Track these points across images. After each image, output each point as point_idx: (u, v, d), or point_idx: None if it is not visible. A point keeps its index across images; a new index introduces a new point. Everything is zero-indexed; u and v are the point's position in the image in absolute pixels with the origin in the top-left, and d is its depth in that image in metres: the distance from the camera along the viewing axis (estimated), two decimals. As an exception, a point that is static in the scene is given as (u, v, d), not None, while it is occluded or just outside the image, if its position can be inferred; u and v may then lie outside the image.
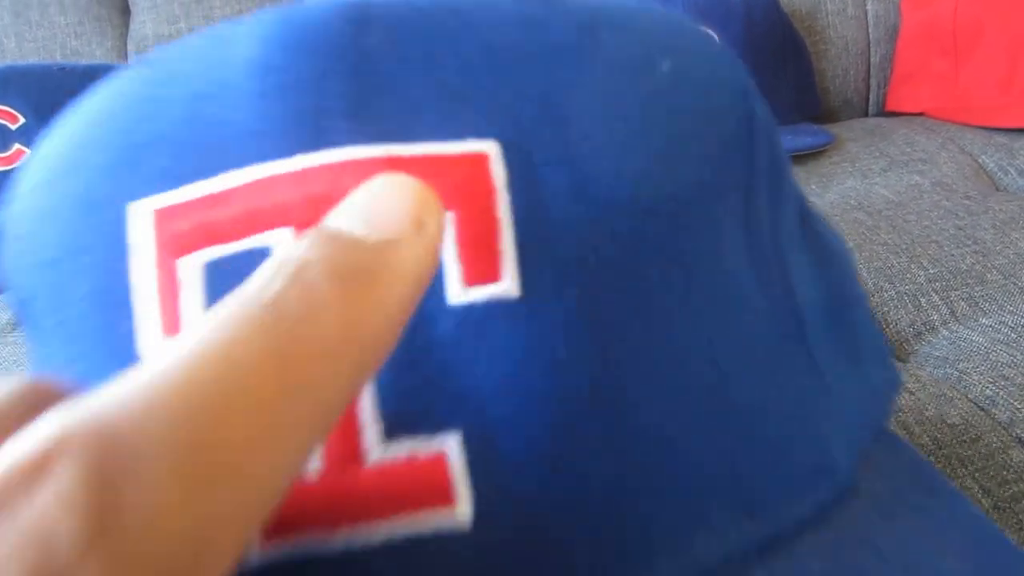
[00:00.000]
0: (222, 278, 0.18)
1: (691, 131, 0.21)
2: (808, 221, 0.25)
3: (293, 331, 0.13)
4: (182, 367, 0.12)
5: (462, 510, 0.17)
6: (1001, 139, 0.90)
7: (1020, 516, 0.34)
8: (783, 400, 0.21)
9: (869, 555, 0.19)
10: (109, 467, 0.11)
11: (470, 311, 0.18)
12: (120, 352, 0.19)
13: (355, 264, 0.14)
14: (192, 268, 0.19)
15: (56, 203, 0.21)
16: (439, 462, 0.17)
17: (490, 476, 0.17)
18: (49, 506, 0.10)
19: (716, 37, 0.24)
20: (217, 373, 0.12)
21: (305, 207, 0.18)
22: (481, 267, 0.18)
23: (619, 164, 0.19)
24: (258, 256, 0.18)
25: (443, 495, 0.17)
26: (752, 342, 0.21)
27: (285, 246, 0.16)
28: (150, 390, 0.11)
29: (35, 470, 0.11)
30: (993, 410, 0.41)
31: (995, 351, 0.47)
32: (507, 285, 0.18)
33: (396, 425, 0.18)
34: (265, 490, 0.12)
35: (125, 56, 1.16)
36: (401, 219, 0.15)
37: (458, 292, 0.18)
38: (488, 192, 0.18)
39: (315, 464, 0.17)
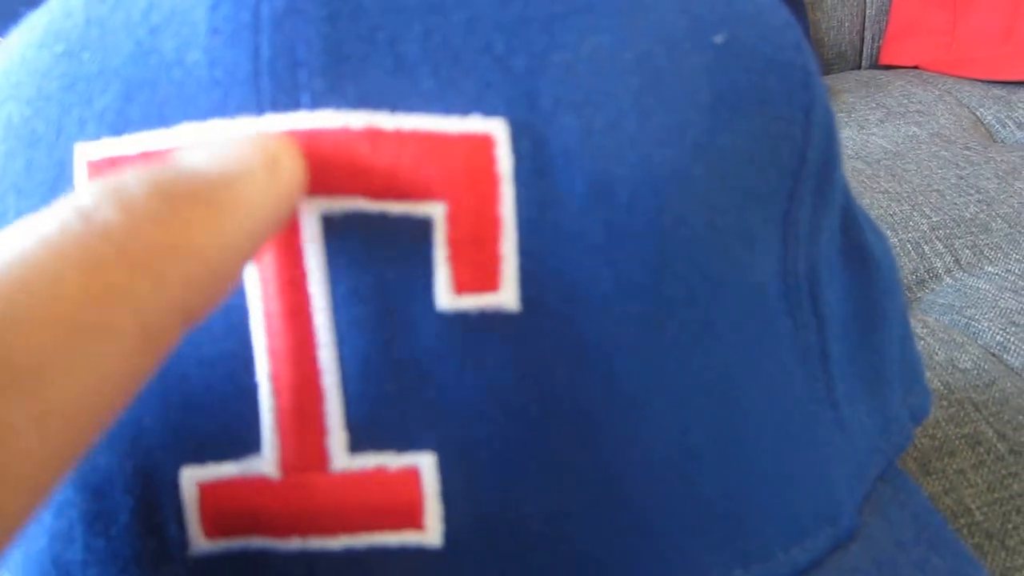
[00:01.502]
0: None
1: (739, 122, 0.18)
2: (851, 226, 0.22)
3: (105, 237, 0.12)
4: None
5: (431, 536, 0.16)
6: (999, 91, 0.89)
7: (1036, 461, 0.33)
8: (796, 442, 0.19)
9: None
10: None
11: (460, 321, 0.16)
12: None
13: (187, 189, 0.13)
14: None
15: None
16: (410, 481, 0.16)
17: (465, 502, 0.16)
18: None
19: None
20: (22, 278, 0.11)
21: None
22: (477, 272, 0.16)
23: (651, 161, 0.17)
24: None
25: (411, 517, 0.16)
26: (772, 373, 0.19)
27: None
28: None
29: None
30: (1005, 356, 0.40)
31: (1003, 298, 0.46)
32: (505, 297, 0.16)
33: (364, 436, 0.16)
34: (70, 399, 0.11)
35: None
36: (250, 158, 0.14)
37: (448, 298, 0.16)
38: (491, 183, 0.16)
39: (271, 465, 0.16)
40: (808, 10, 1.12)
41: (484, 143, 0.16)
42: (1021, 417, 0.35)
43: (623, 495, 0.17)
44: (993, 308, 0.45)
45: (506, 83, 0.16)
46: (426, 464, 0.16)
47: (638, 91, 0.17)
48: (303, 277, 0.16)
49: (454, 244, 0.16)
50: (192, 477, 0.17)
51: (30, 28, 0.19)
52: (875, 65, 1.18)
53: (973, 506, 0.31)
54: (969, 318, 0.45)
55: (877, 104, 0.89)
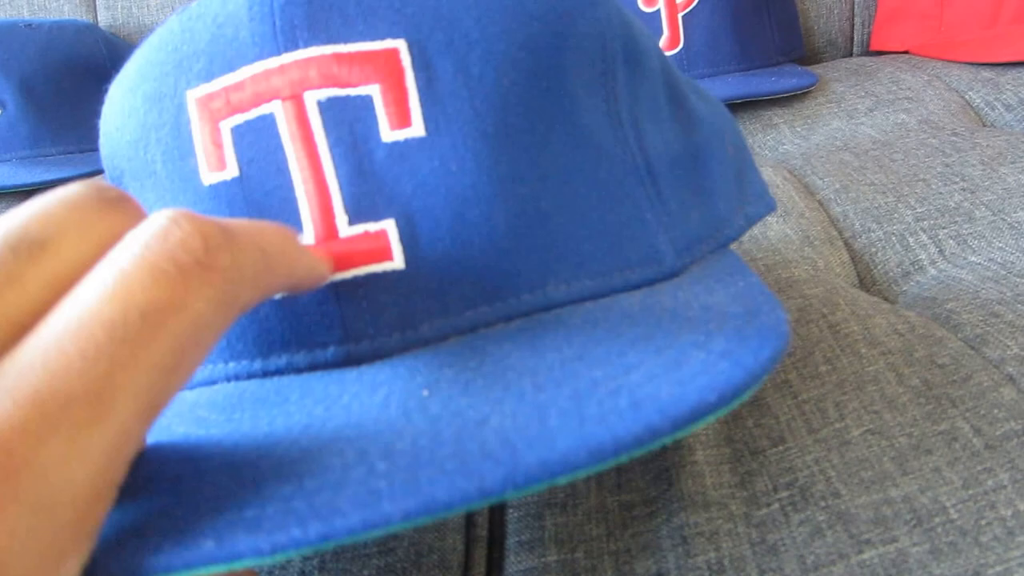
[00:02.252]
0: (240, 133, 0.28)
1: (550, 18, 0.30)
2: (675, 94, 0.35)
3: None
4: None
5: (397, 263, 0.27)
6: (987, 74, 0.89)
7: (1012, 454, 0.33)
8: (611, 200, 0.30)
9: (668, 297, 0.27)
10: None
11: (395, 145, 0.27)
12: (189, 181, 0.29)
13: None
14: (226, 129, 0.29)
15: (133, 102, 0.31)
16: (383, 236, 0.27)
17: (414, 242, 0.27)
18: None
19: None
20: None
21: (288, 86, 0.28)
22: (400, 118, 0.28)
23: (488, 52, 0.28)
24: (262, 121, 0.28)
25: (386, 254, 0.27)
26: (601, 172, 0.30)
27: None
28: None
29: None
30: (984, 348, 0.41)
31: (984, 289, 0.46)
32: (416, 129, 0.27)
33: (355, 214, 0.27)
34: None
35: (94, 10, 1.13)
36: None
37: (387, 133, 0.27)
38: (400, 72, 0.28)
39: (310, 237, 0.27)
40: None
41: (394, 52, 0.28)
42: (997, 411, 0.36)
43: (503, 225, 0.28)
44: (975, 299, 0.46)
45: (402, 21, 0.28)
46: (390, 225, 0.27)
47: (477, 16, 0.29)
48: (311, 135, 0.28)
49: (386, 105, 0.27)
50: None
51: (149, 42, 0.32)
52: (866, 52, 1.18)
53: (948, 504, 0.32)
54: (950, 311, 0.45)
55: (866, 92, 0.89)
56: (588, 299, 0.28)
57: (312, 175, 0.27)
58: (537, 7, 0.30)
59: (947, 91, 0.87)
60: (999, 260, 0.50)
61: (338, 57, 0.28)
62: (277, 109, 0.28)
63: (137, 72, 0.31)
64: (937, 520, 0.31)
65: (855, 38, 1.19)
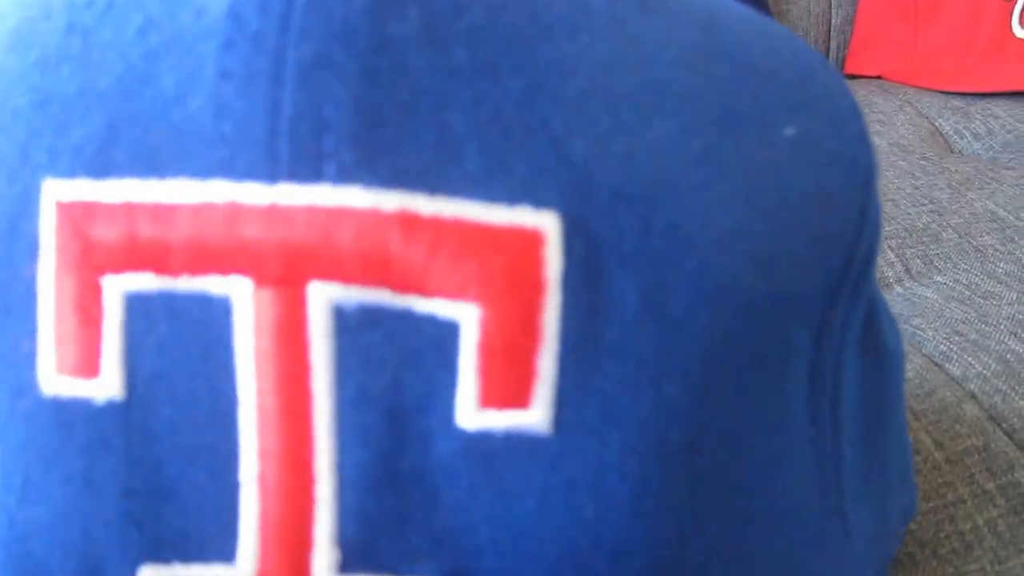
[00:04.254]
0: (144, 313, 0.14)
1: (797, 226, 0.16)
2: (872, 316, 0.20)
3: None
4: None
5: None
6: (957, 103, 0.90)
7: (972, 470, 0.33)
8: (803, 564, 0.18)
9: None
10: None
11: (482, 439, 0.14)
12: (11, 372, 0.15)
13: None
14: (114, 295, 0.15)
15: None
16: None
17: None
18: None
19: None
20: None
21: (278, 256, 0.14)
22: (507, 387, 0.14)
23: (708, 269, 0.15)
24: (202, 304, 0.14)
25: None
26: (792, 489, 0.17)
27: None
28: None
29: None
30: (947, 365, 0.41)
31: (948, 308, 0.47)
32: (537, 416, 0.14)
33: (356, 556, 0.14)
34: None
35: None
36: None
37: (470, 413, 0.14)
38: (536, 287, 0.14)
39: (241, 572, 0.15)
40: (775, 20, 1.13)
41: (532, 240, 0.14)
42: (958, 426, 0.36)
43: None
44: (939, 318, 0.46)
45: (561, 169, 0.14)
46: None
47: (701, 188, 0.15)
48: (306, 373, 0.14)
49: (484, 353, 0.14)
50: None
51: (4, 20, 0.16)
52: (841, 75, 1.19)
53: (908, 515, 0.32)
54: (915, 327, 0.45)
55: (839, 114, 0.90)
56: None
57: (283, 454, 0.14)
58: (800, 178, 0.16)
59: (918, 117, 0.88)
60: (964, 281, 0.50)
61: (408, 222, 0.14)
62: (240, 293, 0.14)
63: None
64: (896, 531, 0.31)
65: (831, 61, 1.20)
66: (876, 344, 0.20)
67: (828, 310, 0.17)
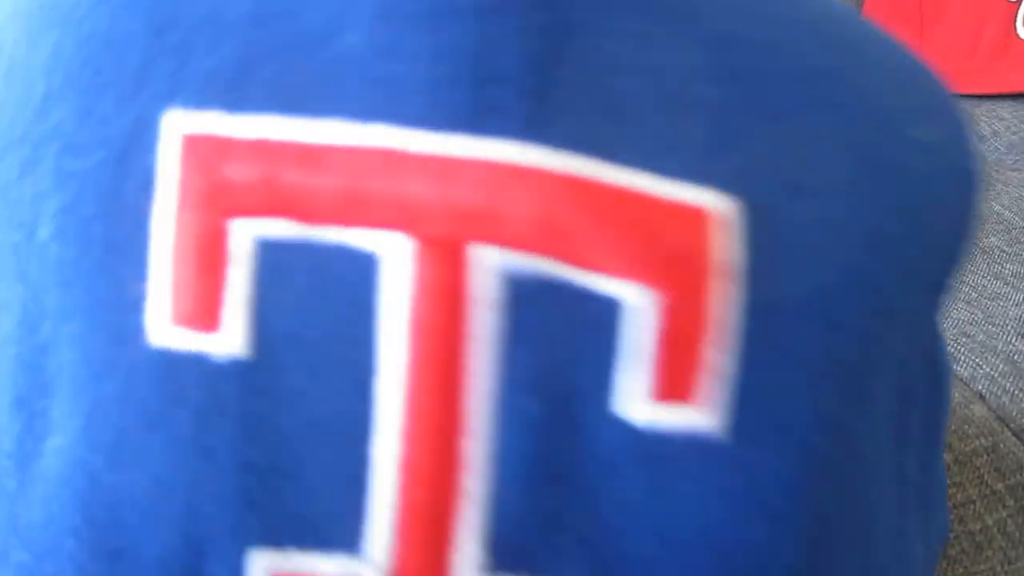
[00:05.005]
0: (279, 272, 0.13)
1: (920, 229, 0.16)
2: (936, 337, 0.20)
3: None
4: None
5: None
6: (962, 105, 0.90)
7: (980, 470, 0.33)
8: None
9: None
10: None
11: (651, 435, 0.13)
12: (120, 330, 0.13)
13: None
14: (243, 239, 0.13)
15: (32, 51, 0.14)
16: None
17: None
18: None
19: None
20: None
21: (442, 213, 0.13)
22: (676, 377, 0.13)
23: (858, 267, 0.14)
24: (347, 260, 0.13)
25: None
26: (883, 513, 0.16)
27: None
28: None
29: None
30: (955, 366, 0.41)
31: (956, 309, 0.47)
32: (709, 417, 0.13)
33: (505, 556, 0.13)
34: None
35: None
36: None
37: (644, 407, 0.13)
38: (702, 270, 0.13)
39: (376, 572, 0.13)
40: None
41: (701, 219, 0.13)
42: (966, 427, 0.36)
43: None
44: (947, 319, 0.46)
45: (739, 150, 0.13)
46: None
47: (852, 184, 0.14)
48: (464, 347, 0.13)
49: (656, 340, 0.13)
50: (265, 565, 0.14)
51: None
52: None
53: (917, 516, 0.32)
54: (922, 329, 0.46)
55: (844, 116, 0.90)
56: None
57: (429, 437, 0.13)
58: (919, 194, 0.16)
59: (923, 119, 0.88)
60: (970, 283, 0.50)
61: (582, 188, 0.12)
62: (393, 251, 0.13)
63: None
64: (906, 531, 0.31)
65: (834, 64, 1.20)
66: (935, 360, 0.20)
67: (924, 321, 0.17)
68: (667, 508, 0.13)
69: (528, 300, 0.13)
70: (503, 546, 0.13)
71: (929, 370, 0.19)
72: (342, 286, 0.13)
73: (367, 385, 0.13)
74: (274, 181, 0.13)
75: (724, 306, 0.13)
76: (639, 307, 0.13)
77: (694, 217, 0.13)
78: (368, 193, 0.13)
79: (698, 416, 0.13)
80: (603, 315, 0.13)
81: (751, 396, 0.13)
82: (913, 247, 0.16)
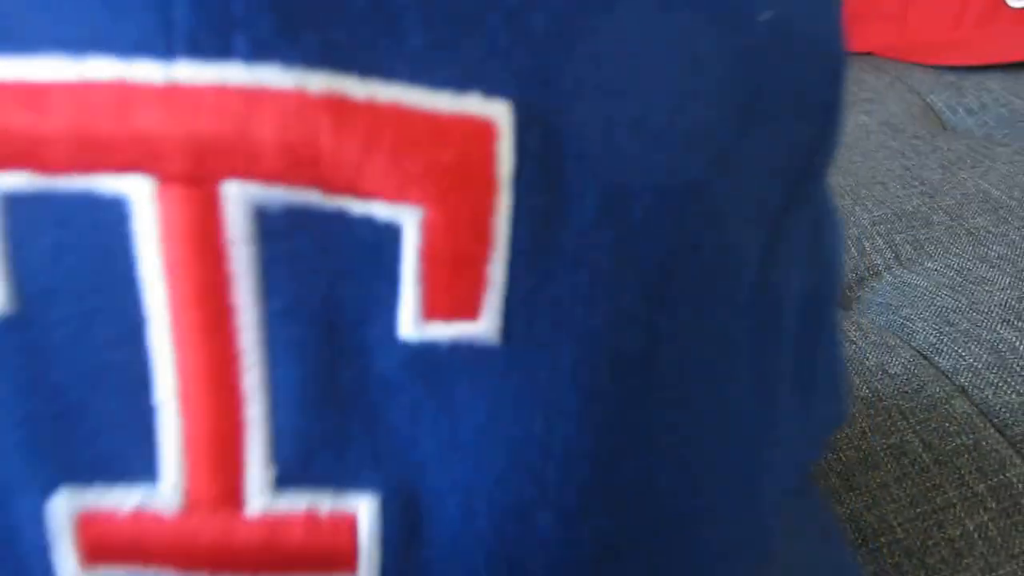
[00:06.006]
0: (29, 227, 0.12)
1: (767, 124, 0.15)
2: (820, 224, 0.19)
3: None
4: None
5: None
6: (950, 77, 0.88)
7: (961, 471, 0.32)
8: (741, 482, 0.17)
9: None
10: None
11: (426, 351, 0.13)
12: None
13: None
14: None
15: None
16: (344, 526, 0.14)
17: (408, 549, 0.14)
18: None
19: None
20: None
21: (183, 149, 0.12)
22: (454, 296, 0.13)
23: (674, 170, 0.14)
24: (92, 208, 0.12)
25: (343, 561, 0.14)
26: (735, 410, 0.16)
27: None
28: None
29: None
30: (937, 358, 0.39)
31: (940, 296, 0.45)
32: (485, 327, 0.13)
33: (294, 472, 0.14)
34: None
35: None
36: None
37: (413, 325, 0.13)
38: (486, 187, 0.12)
39: (171, 500, 0.14)
40: None
41: (482, 133, 0.12)
42: (948, 424, 0.34)
43: (585, 544, 0.15)
44: (930, 307, 0.44)
45: (517, 49, 0.12)
46: (365, 507, 0.14)
47: (673, 79, 0.13)
48: (226, 284, 0.13)
49: (429, 260, 0.13)
50: (67, 505, 0.14)
51: None
52: None
53: (895, 522, 0.30)
54: (904, 318, 0.44)
55: (829, 93, 0.89)
56: None
57: (203, 372, 0.13)
58: (771, 71, 0.15)
59: (909, 93, 0.86)
60: (955, 266, 0.49)
61: (339, 108, 0.12)
62: (139, 194, 0.12)
63: None
64: (883, 540, 0.30)
65: (820, 38, 1.19)
66: (819, 256, 0.19)
67: (783, 217, 0.16)
68: (448, 414, 0.14)
69: (289, 232, 0.13)
70: (291, 465, 0.14)
71: (807, 264, 0.18)
72: (94, 235, 0.12)
73: (138, 332, 0.13)
74: (1, 128, 0.12)
75: (495, 217, 0.13)
76: (407, 227, 0.13)
77: (469, 129, 0.12)
78: (100, 134, 0.12)
79: (471, 327, 0.13)
80: (379, 240, 0.13)
81: (529, 304, 0.13)
82: (753, 139, 0.15)
